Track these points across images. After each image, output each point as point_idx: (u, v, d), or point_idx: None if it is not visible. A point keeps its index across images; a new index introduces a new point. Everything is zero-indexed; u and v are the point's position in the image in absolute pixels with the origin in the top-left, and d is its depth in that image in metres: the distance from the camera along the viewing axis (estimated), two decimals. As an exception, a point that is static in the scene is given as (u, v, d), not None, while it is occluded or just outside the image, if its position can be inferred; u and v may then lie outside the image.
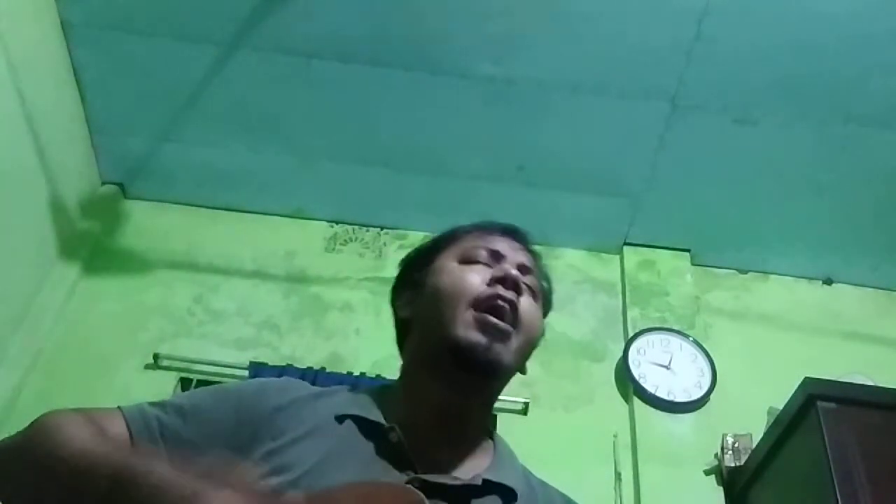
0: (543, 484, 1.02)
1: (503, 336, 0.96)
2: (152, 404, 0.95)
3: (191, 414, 0.93)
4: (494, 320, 0.96)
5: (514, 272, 0.99)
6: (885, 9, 2.24)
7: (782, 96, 2.43)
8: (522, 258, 1.04)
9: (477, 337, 0.95)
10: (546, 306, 1.08)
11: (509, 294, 0.97)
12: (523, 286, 1.00)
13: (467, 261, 1.02)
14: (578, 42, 2.37)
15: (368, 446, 0.92)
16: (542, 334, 1.06)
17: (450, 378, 0.97)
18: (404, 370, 1.05)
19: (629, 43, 2.35)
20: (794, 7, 2.26)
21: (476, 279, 0.99)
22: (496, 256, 1.02)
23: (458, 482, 0.91)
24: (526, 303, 1.00)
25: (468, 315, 0.96)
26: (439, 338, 0.97)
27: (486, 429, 1.04)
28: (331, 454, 0.89)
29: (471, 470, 0.94)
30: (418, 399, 0.98)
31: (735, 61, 2.36)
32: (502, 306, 0.96)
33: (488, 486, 0.92)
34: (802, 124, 2.47)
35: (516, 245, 1.06)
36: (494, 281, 0.98)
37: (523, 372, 1.04)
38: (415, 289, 1.06)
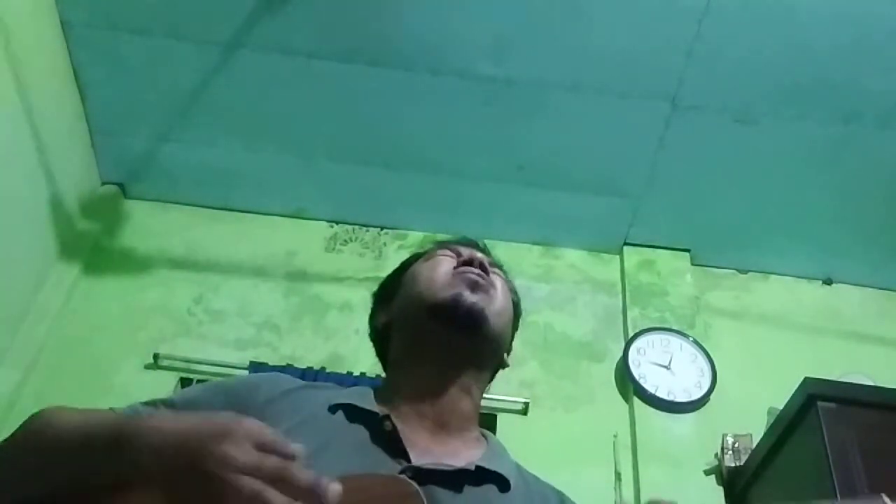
0: (536, 479, 1.04)
1: (483, 288, 1.03)
2: (145, 403, 0.96)
3: (182, 408, 0.94)
4: (476, 275, 1.03)
5: (480, 255, 1.08)
6: (885, 9, 2.24)
7: (782, 96, 2.43)
8: (486, 258, 1.11)
9: (456, 290, 1.01)
10: (516, 308, 1.13)
11: (481, 271, 1.05)
12: (490, 269, 1.07)
13: (433, 258, 1.10)
14: (578, 42, 2.37)
15: (362, 435, 0.93)
16: (515, 328, 1.13)
17: (439, 345, 1.01)
18: (390, 368, 1.10)
19: (629, 43, 2.35)
20: (794, 7, 2.26)
21: (446, 265, 1.07)
22: (458, 254, 1.09)
23: (451, 468, 0.92)
24: (497, 280, 1.07)
25: (448, 279, 1.03)
26: (422, 308, 1.02)
27: (476, 421, 1.06)
28: (324, 444, 0.89)
29: (464, 459, 0.95)
30: (408, 387, 1.01)
31: (735, 61, 2.36)
32: (474, 276, 1.04)
33: (482, 473, 0.93)
34: (802, 124, 2.47)
35: (479, 251, 1.13)
36: (462, 263, 1.06)
37: (504, 364, 1.10)
38: (390, 299, 1.12)
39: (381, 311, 1.14)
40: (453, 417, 1.01)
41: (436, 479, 0.88)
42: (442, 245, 1.15)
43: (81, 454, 0.79)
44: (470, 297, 1.01)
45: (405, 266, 1.15)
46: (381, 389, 1.05)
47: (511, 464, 1.01)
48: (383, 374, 1.14)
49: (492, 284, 1.05)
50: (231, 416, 0.72)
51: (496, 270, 1.10)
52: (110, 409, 0.94)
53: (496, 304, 1.04)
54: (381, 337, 1.13)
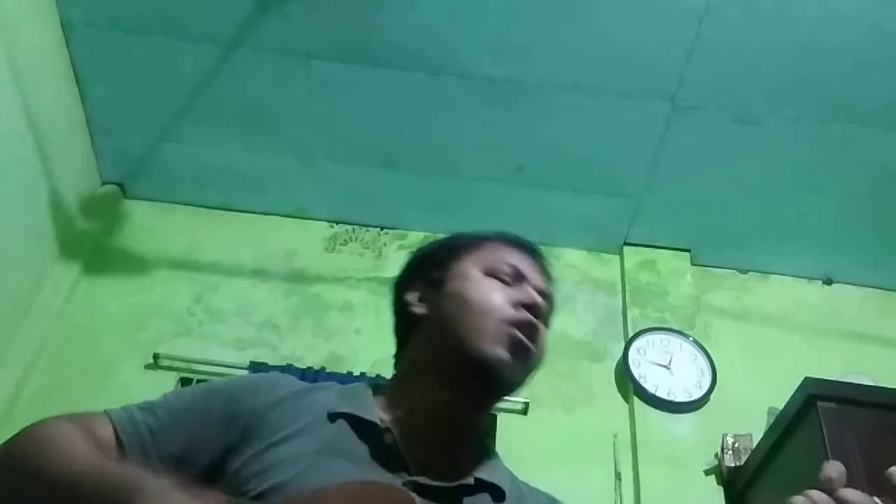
0: (529, 486, 1.02)
1: (527, 356, 0.97)
2: (141, 408, 0.94)
3: (181, 414, 0.92)
4: (526, 341, 0.96)
5: (540, 300, 1.00)
6: (885, 8, 2.24)
7: (782, 96, 2.43)
8: (542, 283, 1.05)
9: (504, 354, 0.94)
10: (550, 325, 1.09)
11: (535, 321, 0.98)
12: (543, 314, 1.01)
13: (491, 273, 1.02)
14: (578, 42, 2.37)
15: (362, 447, 0.91)
16: None
17: (460, 388, 0.96)
18: (406, 369, 1.04)
19: (629, 43, 2.35)
20: (794, 7, 2.26)
21: (502, 297, 0.99)
22: (519, 276, 1.02)
23: (452, 483, 0.91)
24: (543, 328, 1.01)
25: (500, 329, 0.96)
26: (461, 347, 0.95)
27: (478, 434, 1.04)
28: (323, 453, 0.88)
29: (462, 469, 0.94)
30: (419, 401, 0.97)
31: (735, 61, 2.36)
32: (531, 331, 0.97)
33: (479, 485, 0.93)
34: (802, 124, 2.47)
35: (537, 266, 1.07)
36: (521, 304, 0.98)
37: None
38: (431, 287, 1.04)
39: (417, 294, 1.05)
40: (459, 436, 0.99)
41: (435, 495, 0.87)
42: (502, 247, 1.06)
43: (67, 495, 0.78)
44: (512, 369, 0.95)
45: (455, 250, 1.06)
46: (387, 390, 1.01)
47: (506, 472, 1.00)
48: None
49: (537, 335, 0.99)
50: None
51: (546, 308, 1.04)
52: (104, 411, 0.92)
53: (532, 360, 0.99)
54: (407, 320, 1.05)
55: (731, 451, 2.25)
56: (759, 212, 2.71)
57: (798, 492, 0.80)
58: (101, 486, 0.77)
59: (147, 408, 0.94)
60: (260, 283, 2.67)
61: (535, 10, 2.32)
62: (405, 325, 1.06)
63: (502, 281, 1.01)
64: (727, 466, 2.24)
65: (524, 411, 2.40)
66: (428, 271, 1.06)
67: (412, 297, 1.05)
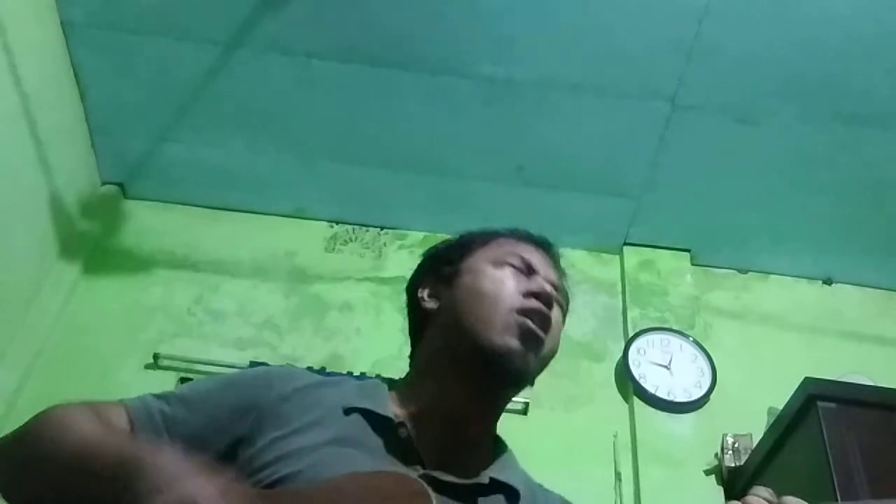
0: (542, 487, 1.02)
1: (537, 345, 0.98)
2: (156, 396, 0.95)
3: (194, 404, 0.93)
4: (535, 329, 0.97)
5: (549, 288, 1.01)
6: (885, 9, 2.24)
7: (782, 96, 2.43)
8: (553, 276, 1.06)
9: (514, 343, 0.96)
10: (564, 321, 1.09)
11: (545, 310, 0.99)
12: (554, 302, 1.02)
13: (501, 265, 1.03)
14: (578, 42, 2.37)
15: (377, 441, 0.91)
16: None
17: (472, 379, 0.97)
18: (419, 364, 1.05)
19: (629, 43, 2.35)
20: (794, 7, 2.26)
21: (512, 285, 1.00)
22: (529, 268, 1.03)
23: (467, 481, 0.90)
24: (555, 317, 1.02)
25: (509, 318, 0.96)
26: (471, 337, 0.96)
27: (493, 432, 1.04)
28: (337, 444, 0.88)
29: (477, 468, 0.94)
30: (432, 396, 0.98)
31: (735, 61, 2.36)
32: (541, 319, 0.98)
33: (494, 485, 0.93)
34: (802, 124, 2.47)
35: (549, 260, 1.08)
36: (530, 294, 0.99)
37: (532, 384, 1.05)
38: (442, 283, 1.05)
39: (428, 290, 1.07)
40: (473, 432, 0.99)
41: (450, 491, 0.87)
42: (513, 242, 1.07)
43: (80, 472, 0.79)
44: (522, 358, 0.96)
45: (466, 246, 1.08)
46: (402, 387, 1.02)
47: (521, 473, 1.00)
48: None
49: (548, 324, 1.00)
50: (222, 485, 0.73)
51: (558, 298, 1.04)
52: (120, 400, 0.93)
53: (545, 349, 1.00)
54: (420, 317, 1.07)
55: (731, 451, 2.25)
56: (759, 212, 2.71)
57: (798, 491, 0.80)
58: (108, 461, 0.77)
59: (161, 396, 0.95)
60: (260, 283, 2.67)
61: (535, 9, 2.32)
62: (418, 322, 1.07)
63: (514, 269, 1.02)
64: (727, 466, 2.24)
65: (524, 411, 2.40)
66: (439, 268, 1.08)
67: (424, 293, 1.07)
